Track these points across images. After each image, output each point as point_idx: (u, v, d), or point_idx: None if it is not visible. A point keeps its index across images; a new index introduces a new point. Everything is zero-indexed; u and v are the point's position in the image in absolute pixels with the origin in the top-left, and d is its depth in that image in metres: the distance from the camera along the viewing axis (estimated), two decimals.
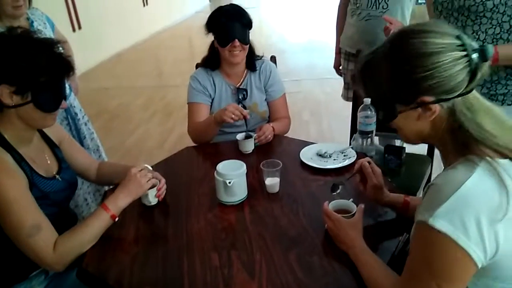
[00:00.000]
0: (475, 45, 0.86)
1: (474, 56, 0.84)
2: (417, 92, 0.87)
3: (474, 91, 0.88)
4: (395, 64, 0.89)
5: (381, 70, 0.91)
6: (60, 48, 1.26)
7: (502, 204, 0.79)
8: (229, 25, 1.83)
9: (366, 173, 1.28)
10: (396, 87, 0.89)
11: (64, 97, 1.30)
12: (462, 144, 0.87)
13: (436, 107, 0.87)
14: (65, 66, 1.26)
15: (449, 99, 0.86)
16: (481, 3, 1.44)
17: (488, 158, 0.83)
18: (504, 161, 0.84)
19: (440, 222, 0.79)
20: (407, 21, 2.38)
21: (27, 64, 1.18)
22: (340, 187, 1.34)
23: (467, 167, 0.83)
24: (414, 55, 0.85)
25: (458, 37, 0.85)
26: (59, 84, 1.26)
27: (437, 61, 0.83)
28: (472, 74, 0.85)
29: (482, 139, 0.85)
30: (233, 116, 1.73)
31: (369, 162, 1.30)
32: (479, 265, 0.80)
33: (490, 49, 0.85)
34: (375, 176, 1.27)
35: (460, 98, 0.86)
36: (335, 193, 1.32)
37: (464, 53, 0.84)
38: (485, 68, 0.86)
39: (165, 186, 1.45)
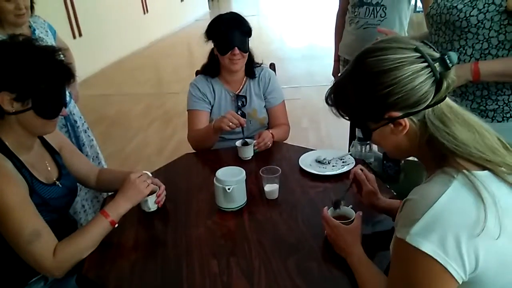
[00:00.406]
0: (435, 54, 0.86)
1: (436, 65, 0.84)
2: (383, 109, 0.88)
3: (447, 100, 0.88)
4: (357, 84, 0.90)
5: (347, 92, 0.93)
6: (61, 56, 1.27)
7: (480, 218, 0.77)
8: (228, 34, 1.85)
9: (359, 180, 1.30)
10: (363, 106, 0.91)
11: (65, 104, 1.30)
12: (440, 156, 0.87)
13: (406, 121, 0.87)
14: (65, 73, 1.27)
15: (417, 112, 0.86)
16: (465, 18, 1.42)
17: (465, 171, 0.82)
18: (482, 173, 0.83)
19: (417, 239, 0.78)
20: (405, 30, 2.40)
21: (28, 71, 1.19)
22: (342, 202, 1.30)
23: (443, 181, 0.83)
24: (373, 74, 0.86)
25: (416, 50, 0.86)
26: (59, 91, 1.27)
27: (396, 76, 0.84)
28: (438, 84, 0.85)
29: (456, 150, 0.84)
30: (230, 124, 1.74)
31: (361, 169, 1.31)
32: (460, 281, 0.79)
33: (453, 56, 0.84)
34: (369, 182, 1.29)
35: (430, 109, 0.86)
36: (338, 209, 1.28)
37: (425, 64, 0.84)
38: (451, 76, 0.86)
39: (164, 192, 1.45)
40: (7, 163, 1.22)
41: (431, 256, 0.77)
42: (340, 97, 0.96)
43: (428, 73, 0.84)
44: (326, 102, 0.99)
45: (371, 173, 1.34)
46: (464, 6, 1.42)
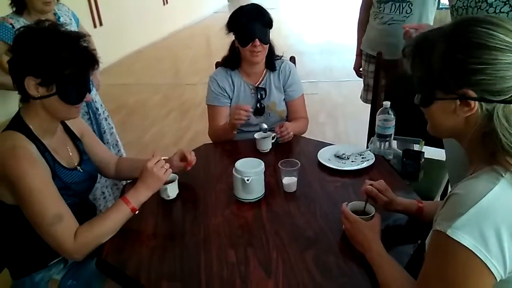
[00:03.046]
0: None
1: None
2: (462, 83, 0.83)
3: None
4: (452, 47, 0.84)
5: (436, 49, 0.87)
6: (86, 42, 1.28)
7: None
8: (249, 25, 1.84)
9: (372, 195, 1.25)
10: (444, 71, 0.85)
11: (89, 90, 1.31)
12: (491, 152, 0.84)
13: (476, 105, 0.83)
14: (90, 59, 1.28)
15: (491, 101, 0.82)
16: (494, 14, 1.35)
17: None
18: None
19: (459, 233, 0.77)
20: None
21: (53, 57, 1.20)
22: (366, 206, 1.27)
23: (491, 178, 0.81)
24: (474, 44, 0.82)
25: None
26: (83, 77, 1.28)
27: (496, 58, 0.80)
28: None
29: (511, 149, 0.81)
30: (236, 117, 1.77)
31: (371, 184, 1.26)
32: (498, 279, 0.78)
33: None
34: (383, 193, 1.24)
35: (502, 104, 0.82)
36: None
37: None
38: None
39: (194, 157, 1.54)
40: (31, 146, 1.24)
41: (471, 251, 0.76)
42: (424, 51, 0.89)
43: None
44: (403, 51, 0.93)
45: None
46: (496, 0, 1.36)
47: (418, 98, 0.95)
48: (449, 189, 2.00)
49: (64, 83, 1.23)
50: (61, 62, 1.21)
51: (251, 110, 1.81)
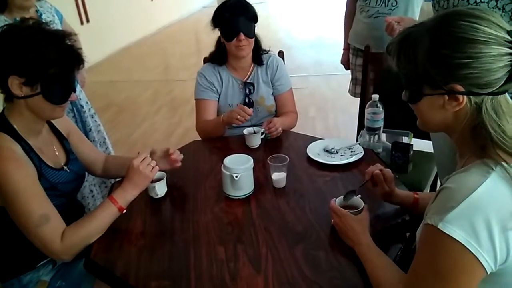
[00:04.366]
0: None
1: None
2: (449, 78, 0.83)
3: (506, 95, 0.85)
4: (436, 42, 0.84)
5: (420, 45, 0.86)
6: (72, 41, 1.26)
7: None
8: (233, 20, 1.83)
9: (377, 181, 1.25)
10: (430, 67, 0.85)
11: (74, 89, 1.29)
12: (481, 146, 0.84)
13: (464, 99, 0.83)
14: (75, 58, 1.26)
15: (479, 94, 0.83)
16: (475, 4, 1.36)
17: (504, 163, 0.81)
18: None
19: (450, 227, 0.78)
20: (417, 19, 2.36)
21: (37, 56, 1.18)
22: (354, 197, 1.26)
23: (482, 172, 0.81)
24: (459, 39, 0.81)
25: (509, 33, 0.81)
26: (68, 76, 1.26)
27: (481, 51, 0.79)
28: (511, 74, 0.81)
29: (501, 142, 0.82)
30: (238, 117, 1.75)
31: (380, 170, 1.26)
32: (488, 272, 0.78)
33: None
34: (387, 183, 1.24)
35: (490, 96, 0.83)
36: (349, 199, 1.25)
37: (510, 50, 0.80)
38: None
39: (179, 154, 1.51)
40: (16, 147, 1.23)
41: (463, 245, 0.77)
42: (409, 46, 0.88)
43: (509, 61, 0.80)
44: (387, 49, 0.92)
45: (384, 166, 1.31)
46: None
47: (406, 94, 0.94)
48: (438, 181, 2.03)
49: (48, 83, 1.21)
50: (45, 61, 1.19)
51: (251, 115, 1.79)
